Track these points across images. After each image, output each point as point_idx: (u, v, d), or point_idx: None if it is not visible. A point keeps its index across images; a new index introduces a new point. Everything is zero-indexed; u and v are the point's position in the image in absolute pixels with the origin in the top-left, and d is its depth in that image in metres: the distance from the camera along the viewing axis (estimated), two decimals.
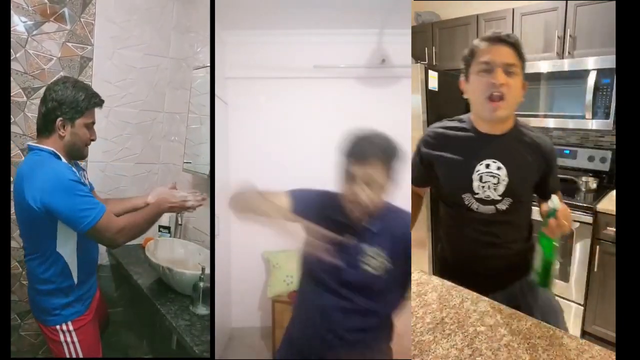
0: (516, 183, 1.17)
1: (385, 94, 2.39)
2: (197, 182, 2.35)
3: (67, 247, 1.45)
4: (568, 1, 2.48)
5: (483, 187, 1.19)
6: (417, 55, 3.35)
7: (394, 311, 1.09)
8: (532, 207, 1.32)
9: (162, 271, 1.77)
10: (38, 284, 1.47)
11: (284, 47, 2.39)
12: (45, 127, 1.43)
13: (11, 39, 2.01)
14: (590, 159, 2.68)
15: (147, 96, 2.46)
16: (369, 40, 2.34)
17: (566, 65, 2.47)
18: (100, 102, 1.52)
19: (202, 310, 1.62)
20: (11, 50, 2.01)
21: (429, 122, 2.84)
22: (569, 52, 2.52)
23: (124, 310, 2.51)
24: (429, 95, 2.81)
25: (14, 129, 2.06)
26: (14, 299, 2.12)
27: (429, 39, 3.31)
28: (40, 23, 2.08)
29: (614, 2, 0.97)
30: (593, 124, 2.39)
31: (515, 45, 1.13)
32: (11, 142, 2.06)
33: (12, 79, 2.03)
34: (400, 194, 1.99)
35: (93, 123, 1.52)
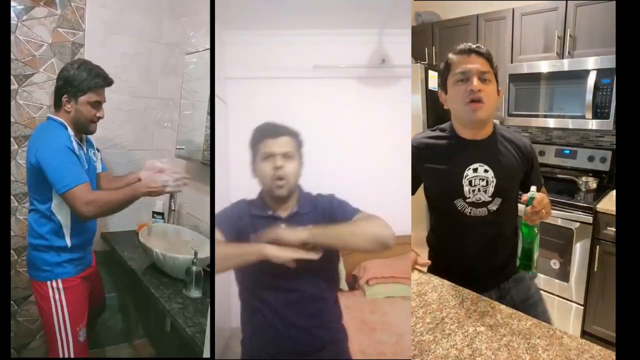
0: (504, 183, 1.24)
1: (385, 94, 2.39)
2: (190, 167, 2.36)
3: (62, 209, 1.58)
4: (568, 1, 2.48)
5: (473, 190, 1.24)
6: (417, 55, 3.35)
7: (334, 287, 1.14)
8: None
9: (155, 256, 1.83)
10: (33, 238, 1.62)
11: (284, 47, 2.39)
12: (56, 102, 1.64)
13: None
14: (590, 159, 2.68)
15: (139, 82, 2.46)
16: (369, 40, 2.34)
17: (566, 65, 2.47)
18: (104, 82, 1.66)
19: (195, 293, 1.67)
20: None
21: (429, 122, 2.84)
22: (569, 52, 2.52)
23: (119, 295, 2.54)
24: (429, 95, 2.82)
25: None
26: (11, 286, 2.14)
27: (429, 39, 3.31)
28: (29, 8, 2.06)
29: (614, 2, 0.98)
30: (593, 124, 2.39)
31: (486, 56, 1.21)
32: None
33: None
34: (400, 195, 1.98)
35: (98, 102, 1.66)
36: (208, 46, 2.13)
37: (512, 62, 2.80)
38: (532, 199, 1.12)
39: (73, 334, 1.63)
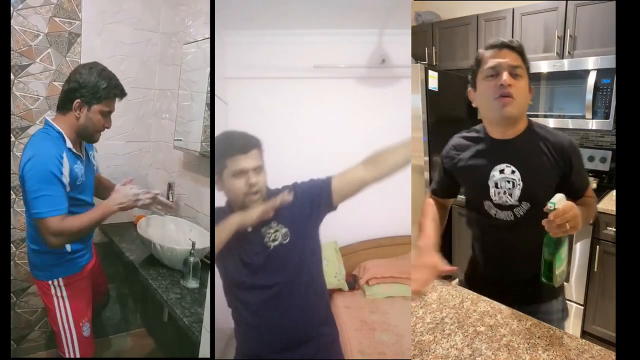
0: (532, 186, 1.15)
1: (385, 94, 2.39)
2: (188, 159, 2.37)
3: None
4: (568, 1, 2.48)
5: (499, 192, 1.19)
6: (417, 55, 3.35)
7: (308, 273, 1.13)
8: None
9: (153, 247, 1.85)
10: (32, 242, 1.62)
11: (284, 47, 2.39)
12: (64, 104, 1.54)
13: None
14: (590, 159, 2.68)
15: (137, 73, 2.44)
16: (369, 40, 2.34)
17: (566, 65, 2.47)
18: (121, 94, 1.61)
19: (193, 283, 1.70)
20: None
21: (429, 122, 2.84)
22: (569, 52, 2.52)
23: (117, 286, 2.56)
24: (429, 95, 2.81)
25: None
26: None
27: (429, 39, 3.31)
28: None
29: (614, 2, 0.97)
30: (593, 124, 2.39)
31: (518, 50, 1.16)
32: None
33: None
34: (400, 195, 1.98)
35: (110, 112, 1.61)
36: (206, 36, 2.12)
37: None
38: (554, 205, 0.96)
39: (77, 329, 1.64)
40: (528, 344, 0.95)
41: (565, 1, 2.49)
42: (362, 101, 2.40)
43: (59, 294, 1.62)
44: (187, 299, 1.59)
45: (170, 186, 2.40)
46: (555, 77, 2.53)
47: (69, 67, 2.16)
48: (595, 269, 2.21)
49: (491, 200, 1.20)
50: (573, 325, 2.33)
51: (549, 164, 1.15)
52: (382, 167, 1.09)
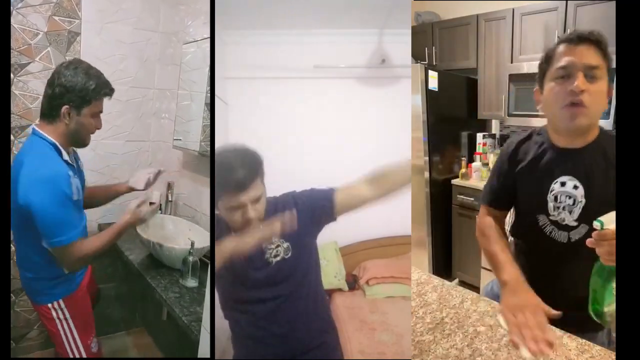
0: (595, 206, 0.98)
1: (385, 94, 2.39)
2: (187, 159, 2.37)
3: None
4: (568, 1, 2.48)
5: (558, 208, 1.05)
6: (417, 55, 3.35)
7: (311, 282, 1.11)
8: None
9: (152, 247, 1.85)
10: (26, 270, 1.49)
11: (284, 47, 2.39)
12: (49, 111, 1.37)
13: None
14: None
15: (137, 72, 2.44)
16: (369, 40, 2.34)
17: None
18: (110, 92, 1.47)
19: (191, 283, 1.70)
20: None
21: (429, 122, 2.84)
22: None
23: (117, 285, 2.56)
24: (429, 95, 2.82)
25: None
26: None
27: (429, 39, 3.31)
28: None
29: (614, 2, 0.97)
30: None
31: (599, 45, 0.97)
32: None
33: None
34: (400, 195, 1.97)
35: (100, 112, 1.47)
36: (206, 35, 2.12)
37: (512, 62, 2.80)
38: (601, 224, 0.80)
39: (85, 348, 1.55)
40: None
41: (565, 1, 2.49)
42: (362, 101, 2.40)
43: (61, 316, 1.50)
44: (186, 298, 1.60)
45: (169, 186, 2.41)
46: None
47: None
48: None
49: (548, 215, 1.07)
50: None
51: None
52: (385, 187, 1.05)
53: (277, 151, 2.52)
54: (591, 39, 0.97)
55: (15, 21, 2.02)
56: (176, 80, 2.36)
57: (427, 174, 2.91)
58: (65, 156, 1.40)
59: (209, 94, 2.08)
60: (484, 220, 1.23)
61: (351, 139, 2.36)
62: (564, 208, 1.03)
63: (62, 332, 1.51)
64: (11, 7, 1.99)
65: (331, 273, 2.20)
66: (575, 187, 1.01)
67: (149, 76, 2.50)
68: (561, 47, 1.00)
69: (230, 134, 2.51)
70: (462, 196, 2.96)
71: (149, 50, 2.47)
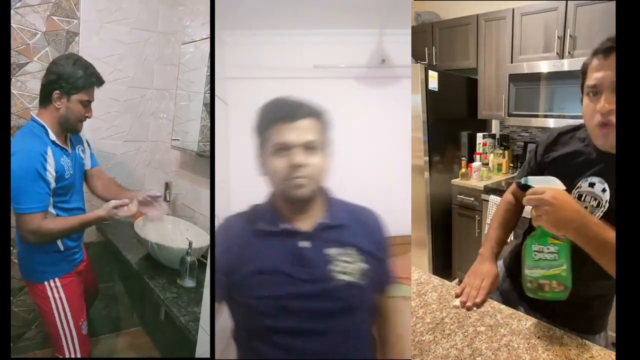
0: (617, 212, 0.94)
1: (385, 94, 2.39)
2: (185, 159, 2.37)
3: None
4: (568, 1, 2.48)
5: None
6: (417, 55, 3.35)
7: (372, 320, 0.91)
8: None
9: (150, 247, 1.86)
10: (21, 246, 1.58)
11: (284, 47, 2.39)
12: (44, 97, 1.55)
13: None
14: None
15: (135, 72, 2.45)
16: (369, 40, 2.34)
17: (566, 65, 2.47)
18: (97, 82, 1.62)
19: (189, 283, 1.71)
20: None
21: (429, 122, 2.84)
22: (569, 52, 2.52)
23: (115, 285, 2.57)
24: (429, 95, 2.82)
25: None
26: None
27: (429, 39, 3.31)
28: None
29: (614, 2, 0.97)
30: None
31: None
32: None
33: None
34: (400, 195, 1.96)
35: (89, 101, 1.62)
36: (204, 36, 2.13)
37: (512, 62, 2.80)
38: (526, 181, 0.89)
39: (77, 329, 1.64)
40: (528, 344, 0.95)
41: (565, 1, 2.49)
42: (362, 101, 2.40)
43: (56, 295, 1.60)
44: (184, 298, 1.60)
45: (167, 186, 2.41)
46: (555, 77, 2.53)
47: None
48: None
49: None
50: None
51: None
52: None
53: None
54: None
55: (13, 21, 2.02)
56: (174, 81, 2.36)
57: (427, 174, 2.91)
58: (53, 137, 1.55)
59: (207, 95, 2.08)
60: (507, 195, 1.28)
61: (351, 139, 2.36)
62: (586, 208, 0.99)
63: (55, 311, 1.60)
64: (10, 7, 2.00)
65: None
66: (604, 190, 0.98)
67: (148, 76, 2.51)
68: (594, 60, 0.97)
69: (231, 134, 2.51)
70: (462, 196, 2.96)
71: (148, 50, 2.47)
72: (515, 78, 2.73)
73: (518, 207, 1.23)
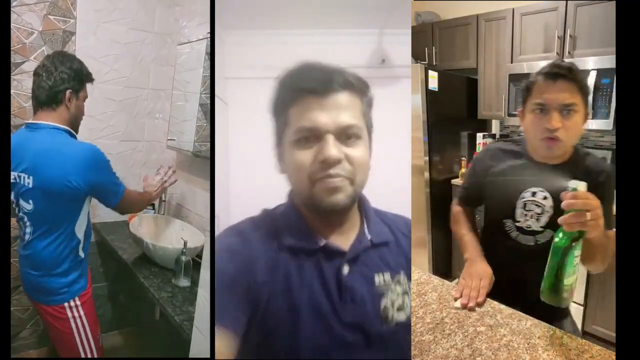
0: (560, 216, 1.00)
1: (385, 94, 2.38)
2: (181, 159, 2.37)
3: (82, 225, 1.50)
4: (568, 1, 2.48)
5: (525, 215, 1.13)
6: (417, 55, 3.35)
7: None
8: None
9: (145, 246, 1.86)
10: (47, 267, 1.45)
11: (283, 47, 2.39)
12: (53, 98, 1.41)
13: None
14: None
15: (131, 72, 2.44)
16: (369, 40, 2.34)
17: None
18: (92, 79, 1.57)
19: (184, 282, 1.71)
20: None
21: (429, 122, 2.84)
22: (569, 52, 2.52)
23: (110, 284, 2.56)
24: (429, 95, 2.81)
25: None
26: None
27: (429, 39, 3.31)
28: None
29: (614, 2, 0.97)
30: (593, 124, 2.39)
31: (576, 81, 1.02)
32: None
33: None
34: (400, 195, 1.96)
35: (86, 98, 1.55)
36: (201, 36, 2.13)
37: (512, 62, 2.80)
38: (574, 190, 0.84)
39: (95, 342, 1.56)
40: (528, 344, 0.95)
41: (565, 1, 2.49)
42: None
43: (76, 314, 1.48)
44: (179, 298, 1.60)
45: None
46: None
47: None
48: None
49: (514, 221, 1.15)
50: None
51: None
52: None
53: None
54: (568, 77, 1.01)
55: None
56: (170, 81, 2.37)
57: (427, 174, 2.91)
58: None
59: (203, 95, 2.09)
60: (456, 208, 1.38)
61: None
62: (531, 216, 1.12)
63: (75, 331, 1.49)
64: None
65: None
66: (545, 197, 1.09)
67: (144, 76, 2.51)
68: (540, 81, 1.05)
69: (231, 134, 2.52)
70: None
71: (144, 50, 2.48)
72: (515, 78, 2.73)
73: (470, 214, 1.36)
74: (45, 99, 1.41)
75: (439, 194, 3.00)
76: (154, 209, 2.43)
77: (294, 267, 0.59)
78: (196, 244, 1.87)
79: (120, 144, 2.50)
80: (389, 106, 2.32)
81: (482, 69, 3.02)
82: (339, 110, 0.58)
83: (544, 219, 1.11)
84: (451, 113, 3.10)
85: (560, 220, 0.87)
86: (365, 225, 0.65)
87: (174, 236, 2.11)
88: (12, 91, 2.07)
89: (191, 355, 1.21)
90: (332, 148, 0.57)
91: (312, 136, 0.59)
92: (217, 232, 0.88)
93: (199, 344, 1.16)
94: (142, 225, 2.12)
